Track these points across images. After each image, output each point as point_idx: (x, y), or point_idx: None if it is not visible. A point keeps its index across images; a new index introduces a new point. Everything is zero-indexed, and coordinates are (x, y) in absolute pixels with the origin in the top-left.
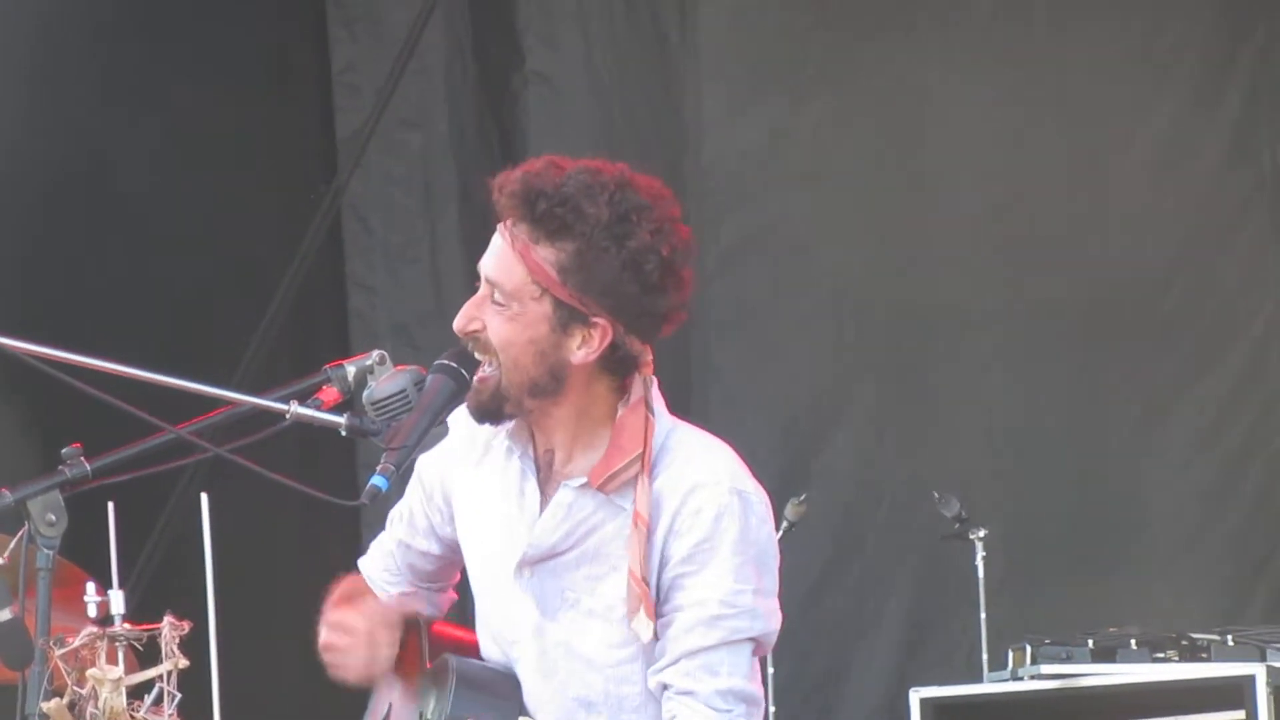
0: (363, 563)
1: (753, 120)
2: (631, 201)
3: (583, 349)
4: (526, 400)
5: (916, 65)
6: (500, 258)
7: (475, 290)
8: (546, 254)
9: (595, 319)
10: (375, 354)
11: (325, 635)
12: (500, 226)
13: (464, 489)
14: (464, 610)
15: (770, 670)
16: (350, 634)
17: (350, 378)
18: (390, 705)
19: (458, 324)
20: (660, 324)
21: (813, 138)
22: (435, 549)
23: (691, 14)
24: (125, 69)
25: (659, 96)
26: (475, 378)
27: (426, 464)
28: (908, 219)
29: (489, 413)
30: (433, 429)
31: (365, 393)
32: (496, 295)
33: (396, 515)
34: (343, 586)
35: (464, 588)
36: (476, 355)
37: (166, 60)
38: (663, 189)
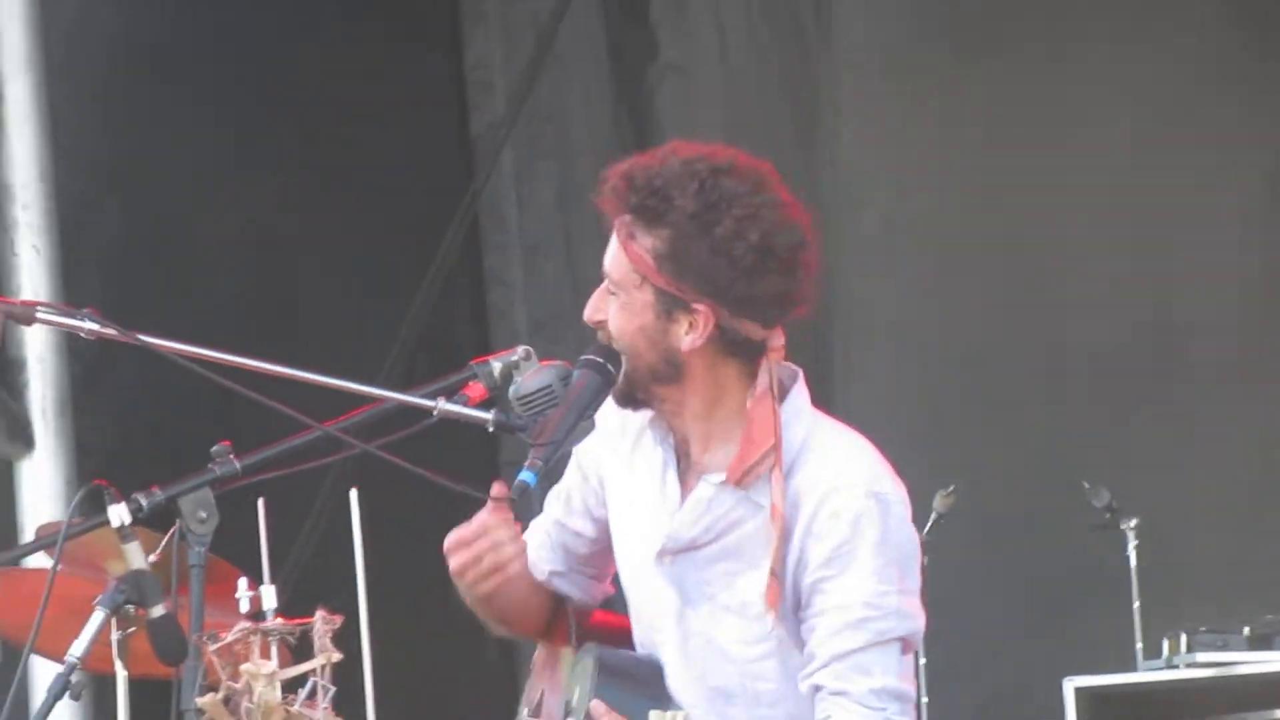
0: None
1: (888, 112)
2: (723, 189)
3: (689, 335)
4: (653, 387)
5: (1048, 69)
6: (611, 249)
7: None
8: (645, 243)
9: (696, 305)
10: (520, 349)
11: (452, 560)
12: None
13: (616, 476)
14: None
15: (922, 660)
16: (471, 543)
17: (496, 374)
18: (543, 693)
19: (586, 314)
20: (770, 307)
21: (948, 130)
22: (589, 531)
23: (826, 5)
24: (264, 71)
25: (794, 88)
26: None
27: (586, 448)
28: (1042, 213)
29: (626, 399)
30: (579, 424)
31: (511, 388)
32: (610, 285)
33: (554, 495)
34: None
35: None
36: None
37: (304, 62)
38: (766, 174)
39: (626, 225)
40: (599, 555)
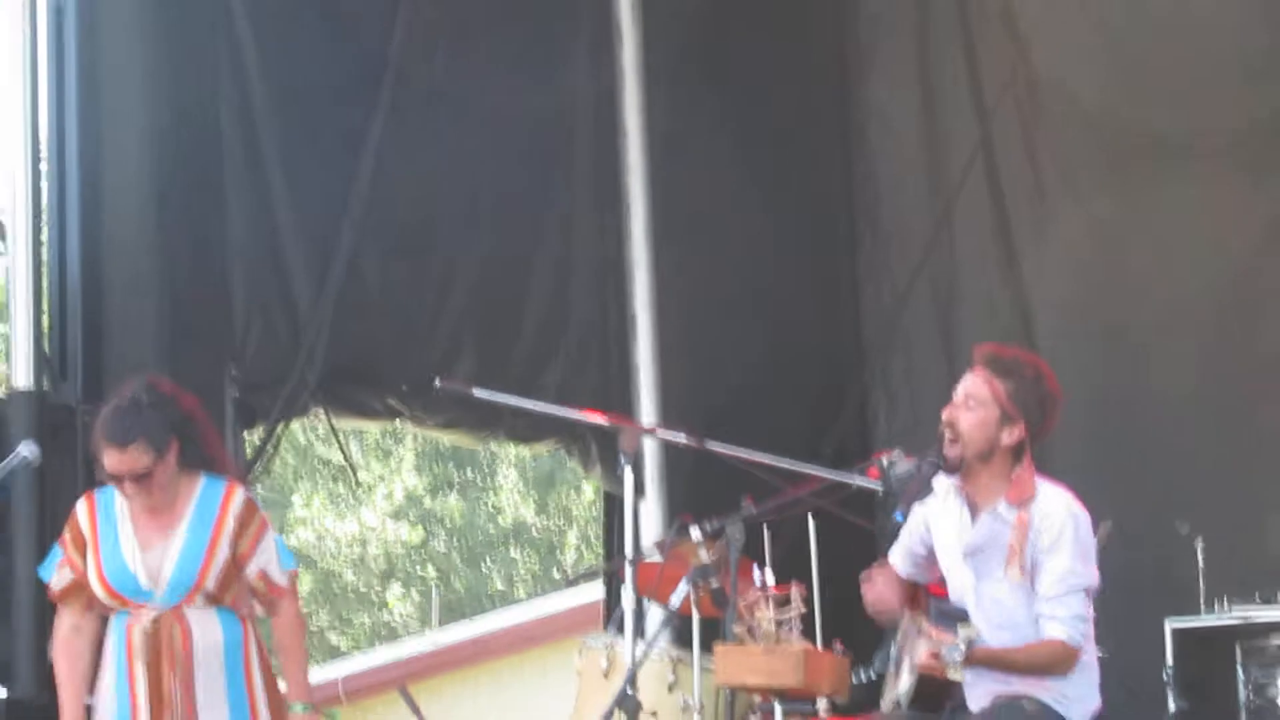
0: (890, 556)
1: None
2: (1041, 374)
3: (1010, 437)
4: (974, 463)
5: None
6: (973, 385)
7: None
8: (999, 384)
9: (1018, 423)
10: (896, 451)
11: (866, 591)
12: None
13: (936, 520)
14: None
15: (1094, 615)
16: (877, 585)
17: (885, 463)
18: (905, 633)
19: (946, 415)
20: (1042, 436)
21: None
22: (924, 551)
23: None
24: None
25: None
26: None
27: (919, 511)
28: None
29: (954, 466)
30: (924, 492)
31: (891, 472)
32: (969, 402)
33: (904, 533)
34: (876, 567)
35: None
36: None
37: None
38: (1049, 371)
39: (986, 372)
40: (931, 561)
